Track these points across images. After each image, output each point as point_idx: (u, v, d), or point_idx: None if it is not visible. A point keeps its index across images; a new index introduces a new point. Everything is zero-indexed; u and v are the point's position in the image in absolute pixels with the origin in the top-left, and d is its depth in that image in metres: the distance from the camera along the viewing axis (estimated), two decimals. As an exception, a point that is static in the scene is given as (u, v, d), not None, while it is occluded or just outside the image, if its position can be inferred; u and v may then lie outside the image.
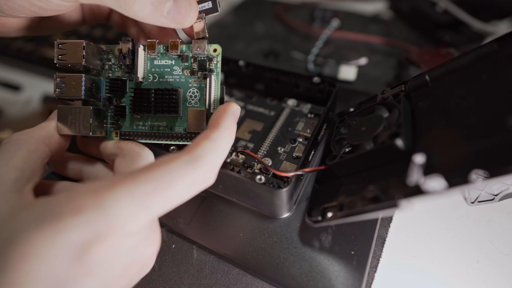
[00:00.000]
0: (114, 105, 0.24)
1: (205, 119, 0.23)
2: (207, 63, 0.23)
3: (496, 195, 0.25)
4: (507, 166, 0.14)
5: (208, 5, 0.22)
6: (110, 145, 0.23)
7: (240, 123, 0.31)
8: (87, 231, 0.14)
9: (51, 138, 0.21)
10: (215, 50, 0.23)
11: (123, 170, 0.20)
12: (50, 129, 0.21)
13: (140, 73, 0.23)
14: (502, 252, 0.24)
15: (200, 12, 0.22)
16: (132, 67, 0.24)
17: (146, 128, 0.24)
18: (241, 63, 0.34)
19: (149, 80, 0.24)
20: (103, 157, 0.24)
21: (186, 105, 0.23)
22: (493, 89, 0.19)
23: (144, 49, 0.24)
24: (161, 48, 0.24)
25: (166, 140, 0.23)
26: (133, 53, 0.23)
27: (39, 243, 0.14)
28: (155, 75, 0.24)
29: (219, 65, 0.23)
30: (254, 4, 0.59)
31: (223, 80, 0.36)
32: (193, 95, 0.23)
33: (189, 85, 0.24)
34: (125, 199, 0.15)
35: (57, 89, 0.22)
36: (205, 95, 0.23)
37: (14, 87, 0.46)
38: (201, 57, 0.23)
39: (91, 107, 0.22)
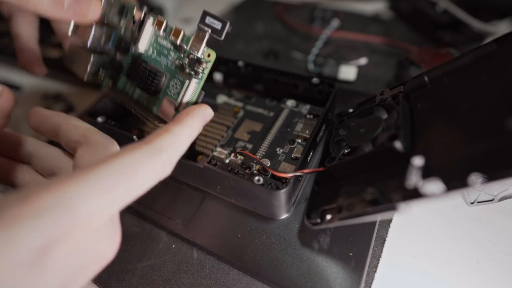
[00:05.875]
0: (117, 59, 0.25)
1: (174, 112, 0.23)
2: (196, 64, 0.23)
3: (495, 196, 0.25)
4: (506, 170, 0.14)
5: (217, 25, 0.21)
6: (75, 132, 0.21)
7: (239, 124, 0.31)
8: (48, 233, 0.13)
9: None
10: (208, 55, 0.23)
11: (86, 160, 0.19)
12: None
13: (142, 46, 0.24)
14: (502, 252, 0.24)
15: (207, 26, 0.22)
16: (137, 37, 0.24)
17: (135, 96, 0.24)
18: (240, 63, 0.34)
19: (149, 53, 0.24)
20: (61, 142, 0.22)
21: (166, 91, 0.24)
22: (492, 91, 0.19)
23: (153, 24, 0.24)
24: (167, 29, 0.24)
25: (144, 115, 0.24)
26: (142, 24, 0.24)
27: None
28: (155, 50, 0.24)
29: (207, 71, 0.23)
30: (254, 4, 0.59)
31: (220, 81, 0.36)
32: (175, 86, 0.23)
33: (176, 75, 0.24)
34: (92, 192, 0.14)
35: (72, 29, 0.23)
36: (180, 95, 0.23)
37: (14, 87, 0.46)
38: (192, 56, 0.23)
39: (93, 55, 0.23)
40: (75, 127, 0.21)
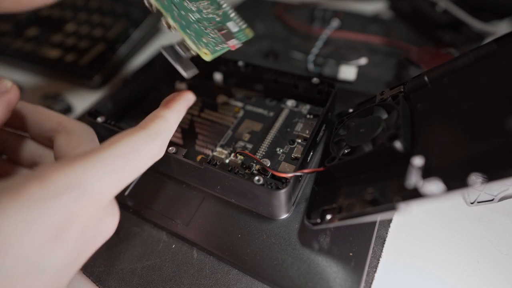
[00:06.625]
0: None
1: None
2: None
3: (495, 196, 0.25)
4: (506, 170, 0.14)
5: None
6: (49, 120, 0.21)
7: (239, 124, 0.31)
8: (67, 211, 0.14)
9: None
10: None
11: (72, 147, 0.19)
12: None
13: None
14: (502, 252, 0.24)
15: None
16: None
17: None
18: (240, 63, 0.34)
19: None
20: (32, 132, 0.21)
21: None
22: (492, 91, 0.19)
23: None
24: None
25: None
26: None
27: (19, 229, 0.13)
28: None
29: None
30: (254, 4, 0.59)
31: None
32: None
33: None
34: (102, 173, 0.15)
35: None
36: None
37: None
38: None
39: None
40: (47, 115, 0.21)
